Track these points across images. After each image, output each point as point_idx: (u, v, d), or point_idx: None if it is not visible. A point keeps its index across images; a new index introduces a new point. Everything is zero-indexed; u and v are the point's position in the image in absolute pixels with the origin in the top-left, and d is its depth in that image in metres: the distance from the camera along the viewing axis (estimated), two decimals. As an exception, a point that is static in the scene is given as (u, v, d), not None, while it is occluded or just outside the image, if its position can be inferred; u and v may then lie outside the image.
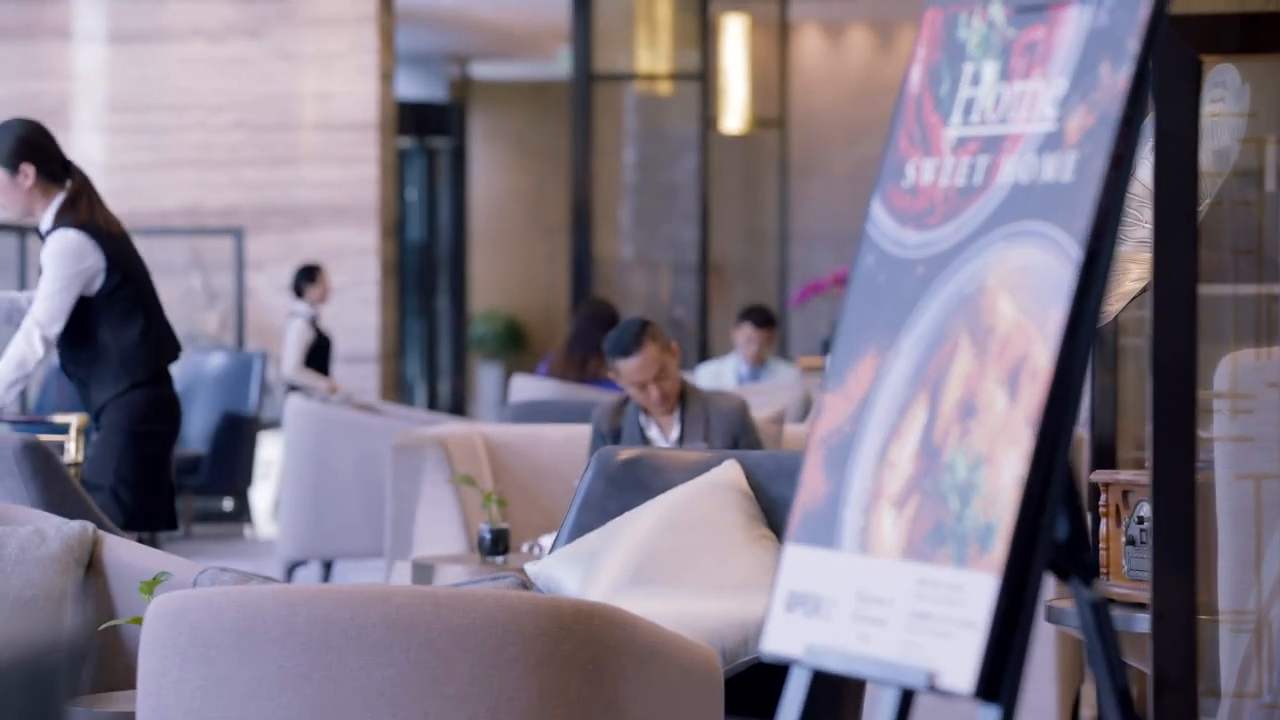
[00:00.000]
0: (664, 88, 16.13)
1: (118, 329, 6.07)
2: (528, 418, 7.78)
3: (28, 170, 5.94)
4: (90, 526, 4.37)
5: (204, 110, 12.25)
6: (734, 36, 16.43)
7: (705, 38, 15.69)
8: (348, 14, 12.33)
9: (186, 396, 10.84)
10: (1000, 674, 2.35)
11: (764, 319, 10.95)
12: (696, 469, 4.85)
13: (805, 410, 8.42)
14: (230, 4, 12.29)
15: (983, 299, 2.49)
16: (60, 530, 4.34)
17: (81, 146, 12.19)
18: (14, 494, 5.27)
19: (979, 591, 2.38)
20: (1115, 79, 2.38)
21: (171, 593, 3.26)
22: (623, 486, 4.86)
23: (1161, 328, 2.83)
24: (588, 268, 15.07)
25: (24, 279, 11.09)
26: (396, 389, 13.24)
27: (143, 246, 12.10)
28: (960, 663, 2.38)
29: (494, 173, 22.49)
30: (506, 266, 22.56)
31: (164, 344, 6.24)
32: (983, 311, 2.49)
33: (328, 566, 8.62)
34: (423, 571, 5.81)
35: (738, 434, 6.46)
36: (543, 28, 18.91)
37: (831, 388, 2.66)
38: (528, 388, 9.27)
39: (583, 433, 6.80)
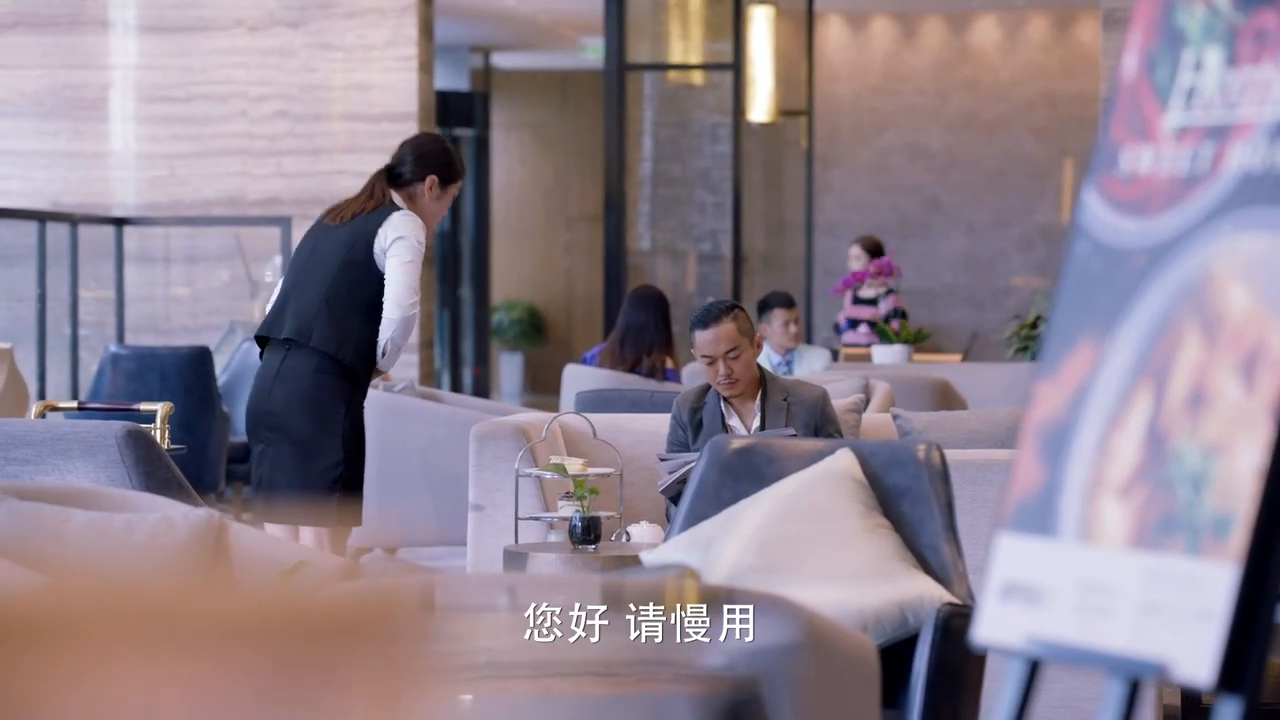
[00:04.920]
0: (695, 78, 16.11)
1: None
2: (593, 407, 7.77)
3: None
4: (216, 514, 4.37)
5: (245, 100, 12.24)
6: (760, 27, 16.42)
7: (739, 28, 15.67)
8: (387, 5, 12.32)
9: (235, 385, 10.83)
10: (1243, 664, 2.34)
11: (790, 300, 10.98)
12: (810, 457, 4.84)
13: (865, 401, 8.40)
14: (271, -6, 12.29)
15: (1211, 288, 2.48)
16: (187, 517, 4.33)
17: (124, 136, 12.17)
18: (116, 481, 5.26)
19: (1217, 581, 2.37)
20: (1357, 66, 2.38)
21: (347, 582, 3.25)
22: (737, 475, 4.86)
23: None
24: (621, 258, 15.06)
25: (43, 266, 11.04)
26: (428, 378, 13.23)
27: (185, 235, 12.14)
28: (1198, 653, 2.37)
29: (515, 163, 22.48)
30: (527, 256, 22.55)
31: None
32: (1211, 300, 2.48)
33: (390, 555, 8.61)
34: (514, 560, 5.80)
35: (819, 424, 6.45)
36: (566, 18, 18.90)
37: (1044, 377, 2.65)
38: (582, 377, 9.25)
39: (661, 422, 6.80)
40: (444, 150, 6.61)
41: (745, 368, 6.39)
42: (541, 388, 22.00)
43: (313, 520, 6.26)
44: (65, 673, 1.23)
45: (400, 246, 6.36)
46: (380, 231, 6.38)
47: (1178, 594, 2.41)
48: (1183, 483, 2.45)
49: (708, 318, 6.41)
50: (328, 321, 6.35)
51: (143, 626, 1.26)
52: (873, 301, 12.23)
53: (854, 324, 12.30)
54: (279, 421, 6.30)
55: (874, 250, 12.38)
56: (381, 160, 12.60)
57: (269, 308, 6.57)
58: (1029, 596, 2.57)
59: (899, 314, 12.25)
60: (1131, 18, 2.65)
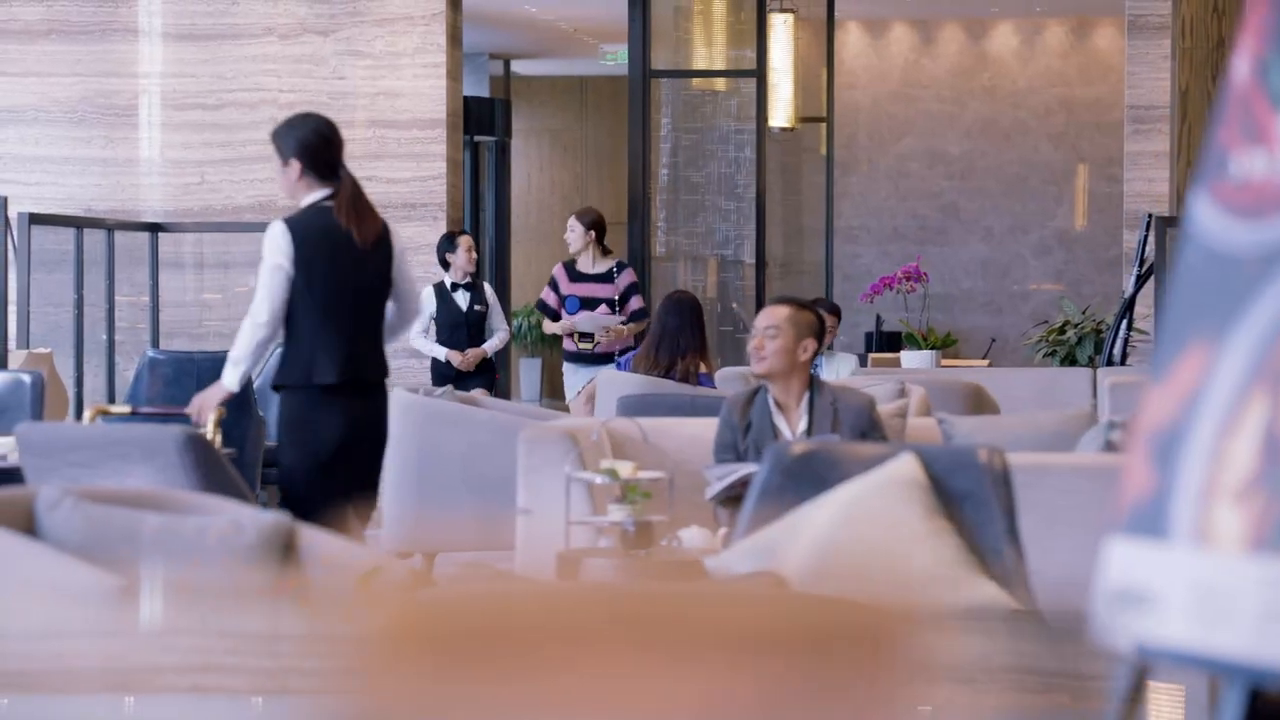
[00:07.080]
0: (718, 85, 16.12)
1: (296, 325, 6.39)
2: (634, 412, 7.78)
3: (295, 164, 6.47)
4: (285, 517, 4.37)
5: (275, 107, 12.25)
6: (780, 34, 16.43)
7: (762, 35, 15.68)
8: (416, 12, 12.34)
9: (268, 391, 10.84)
10: (1368, 667, 2.34)
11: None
12: (872, 462, 4.85)
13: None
14: (301, 3, 12.30)
15: (1328, 292, 2.49)
16: (256, 521, 4.34)
17: (154, 143, 12.20)
18: (174, 485, 5.28)
19: (1339, 584, 2.37)
20: None
21: (430, 589, 3.26)
22: (799, 480, 4.87)
23: None
24: (646, 265, 15.06)
25: (81, 272, 11.07)
26: (451, 384, 13.26)
27: (217, 241, 12.16)
28: (1322, 656, 2.37)
29: (534, 169, 22.49)
30: (546, 262, 22.56)
31: (316, 360, 6.42)
32: (1329, 304, 2.48)
33: (429, 560, 8.62)
34: (568, 564, 5.81)
35: (865, 429, 6.48)
36: (586, 25, 18.92)
37: (1155, 381, 2.66)
38: (616, 382, 9.26)
39: (702, 426, 6.81)
40: None
41: (776, 353, 6.54)
42: (560, 393, 22.00)
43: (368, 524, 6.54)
44: (573, 675, 1.24)
45: (408, 258, 6.71)
46: (394, 249, 6.69)
47: (1298, 598, 2.41)
48: (1301, 487, 2.45)
49: (777, 299, 6.81)
50: (380, 351, 6.62)
51: (650, 634, 1.27)
52: (603, 277, 11.53)
53: (587, 302, 11.80)
54: (377, 447, 6.61)
55: (594, 226, 11.80)
56: (409, 168, 12.69)
57: (324, 345, 6.52)
58: (1143, 601, 2.58)
59: (641, 314, 11.30)
60: (1243, 22, 2.65)
